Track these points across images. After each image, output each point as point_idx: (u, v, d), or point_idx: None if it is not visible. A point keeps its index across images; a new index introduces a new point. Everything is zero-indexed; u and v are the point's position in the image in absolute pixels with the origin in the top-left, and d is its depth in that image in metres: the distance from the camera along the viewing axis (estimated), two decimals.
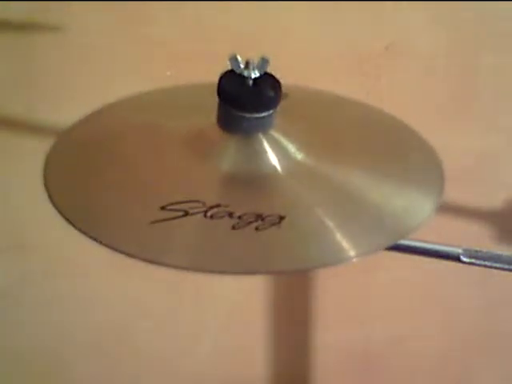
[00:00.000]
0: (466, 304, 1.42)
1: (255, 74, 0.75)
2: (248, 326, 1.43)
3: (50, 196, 0.73)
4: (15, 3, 1.15)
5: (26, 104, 1.21)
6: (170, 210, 0.70)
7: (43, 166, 0.77)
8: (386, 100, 1.19)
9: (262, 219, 0.69)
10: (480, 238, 1.30)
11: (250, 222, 0.69)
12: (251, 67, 0.75)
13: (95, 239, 0.68)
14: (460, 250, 0.84)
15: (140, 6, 1.15)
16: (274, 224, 0.69)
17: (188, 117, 0.82)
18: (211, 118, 0.78)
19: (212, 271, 0.68)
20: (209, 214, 0.70)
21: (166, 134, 0.80)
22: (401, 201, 0.76)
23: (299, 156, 0.77)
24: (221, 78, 0.76)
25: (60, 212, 0.71)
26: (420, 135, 0.84)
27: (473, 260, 0.83)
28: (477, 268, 0.84)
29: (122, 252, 0.67)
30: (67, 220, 0.70)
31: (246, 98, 0.75)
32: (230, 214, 0.70)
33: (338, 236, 0.70)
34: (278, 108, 0.77)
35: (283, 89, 0.76)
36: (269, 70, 0.76)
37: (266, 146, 0.76)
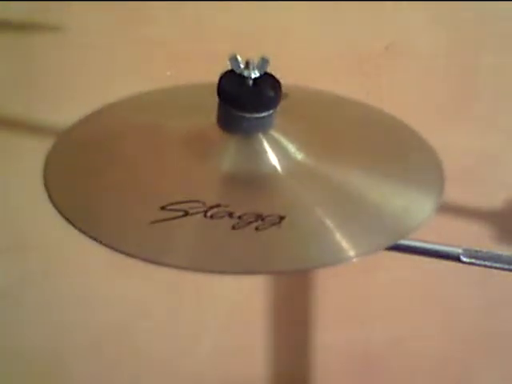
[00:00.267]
0: (466, 304, 1.42)
1: (255, 74, 0.75)
2: (248, 326, 1.43)
3: (49, 196, 0.73)
4: (15, 3, 1.15)
5: (25, 104, 1.21)
6: (170, 209, 0.70)
7: (43, 166, 0.77)
8: (385, 100, 1.19)
9: (262, 219, 0.69)
10: (480, 238, 1.30)
11: (250, 222, 0.69)
12: (251, 67, 0.75)
13: (95, 239, 0.68)
14: (460, 250, 0.84)
15: (140, 6, 1.15)
16: (274, 224, 0.69)
17: (188, 117, 0.82)
18: (211, 118, 0.78)
19: (212, 271, 0.68)
20: (209, 214, 0.70)
21: (166, 134, 0.80)
22: (401, 201, 0.76)
23: (299, 156, 0.77)
24: (221, 78, 0.76)
25: (60, 212, 0.71)
26: (420, 135, 0.84)
27: (473, 260, 0.83)
28: (477, 268, 0.84)
29: (122, 252, 0.67)
30: (67, 220, 0.70)
31: (246, 97, 0.75)
32: (230, 214, 0.70)
33: (338, 236, 0.70)
34: (278, 108, 0.77)
35: (283, 89, 0.76)
36: (269, 70, 0.76)
37: (266, 146, 0.76)
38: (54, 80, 1.20)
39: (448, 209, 1.25)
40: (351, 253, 0.69)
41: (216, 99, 0.76)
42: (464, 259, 0.83)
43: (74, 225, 0.70)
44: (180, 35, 1.18)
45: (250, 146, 0.77)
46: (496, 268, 0.83)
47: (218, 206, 0.70)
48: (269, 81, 0.76)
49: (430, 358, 1.46)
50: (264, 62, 0.75)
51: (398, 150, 0.84)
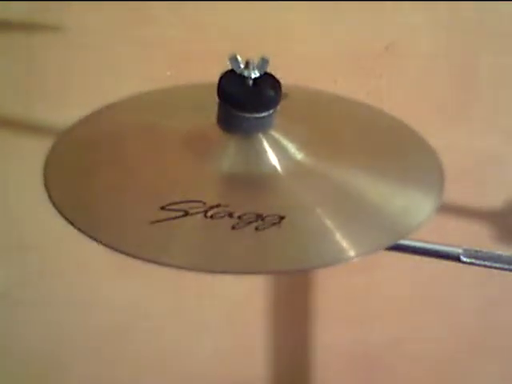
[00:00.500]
0: (466, 304, 1.42)
1: (255, 74, 0.75)
2: (248, 326, 1.43)
3: (49, 196, 0.73)
4: (15, 3, 1.15)
5: (25, 104, 1.21)
6: (170, 209, 0.70)
7: (43, 166, 0.77)
8: (385, 100, 1.19)
9: (262, 219, 0.69)
10: (480, 238, 1.30)
11: (250, 222, 0.69)
12: (251, 67, 0.75)
13: (95, 239, 0.68)
14: (460, 250, 0.84)
15: (140, 6, 1.15)
16: (274, 224, 0.69)
17: (188, 117, 0.82)
18: (211, 118, 0.78)
19: (212, 271, 0.68)
20: (209, 214, 0.70)
21: (166, 133, 0.80)
22: (401, 201, 0.76)
23: (299, 156, 0.77)
24: (221, 78, 0.76)
25: (60, 212, 0.71)
26: (420, 135, 0.84)
27: (473, 260, 0.83)
28: (477, 268, 0.84)
29: (122, 252, 0.67)
30: (67, 220, 0.70)
31: (246, 98, 0.75)
32: (230, 214, 0.69)
33: (338, 236, 0.70)
34: (278, 108, 0.77)
35: (283, 89, 0.76)
36: (269, 70, 0.76)
37: (266, 145, 0.76)
38: (53, 80, 1.20)
39: (448, 209, 1.25)
40: (351, 253, 0.69)
41: (216, 99, 0.76)
42: (464, 259, 0.83)
43: (73, 225, 0.70)
44: (180, 35, 1.18)
45: (249, 146, 0.77)
46: (496, 268, 0.83)
47: (218, 206, 0.70)
48: (269, 81, 0.76)
49: (430, 357, 1.46)
50: (264, 62, 0.75)
51: (397, 149, 0.84)
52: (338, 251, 0.69)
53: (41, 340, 1.39)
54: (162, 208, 0.70)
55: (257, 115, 0.76)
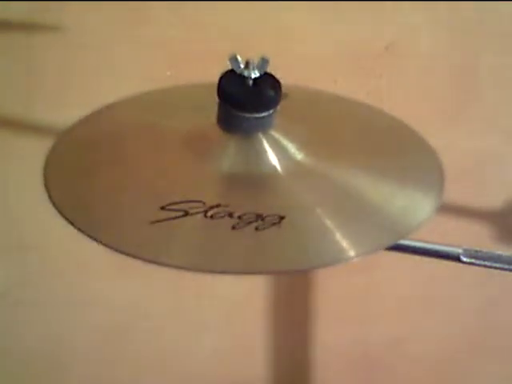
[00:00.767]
0: (466, 304, 1.42)
1: (255, 74, 0.75)
2: (248, 326, 1.43)
3: (49, 196, 0.73)
4: (15, 3, 1.15)
5: (25, 104, 1.21)
6: (170, 209, 0.70)
7: (43, 166, 0.77)
8: (385, 100, 1.19)
9: (262, 219, 0.69)
10: (480, 238, 1.30)
11: (250, 222, 0.69)
12: (251, 67, 0.75)
13: (95, 239, 0.68)
14: (460, 250, 0.84)
15: (140, 6, 1.15)
16: (274, 224, 0.69)
17: (188, 117, 0.82)
18: (211, 118, 0.78)
19: (212, 271, 0.68)
20: (209, 214, 0.70)
21: (166, 133, 0.80)
22: (401, 201, 0.76)
23: (299, 156, 0.77)
24: (221, 78, 0.76)
25: (60, 212, 0.71)
26: (420, 135, 0.84)
27: (473, 260, 0.83)
28: (477, 268, 0.84)
29: (122, 252, 0.67)
30: (67, 220, 0.70)
31: (246, 98, 0.75)
32: (230, 214, 0.69)
33: (338, 236, 0.70)
34: (278, 108, 0.77)
35: (283, 89, 0.76)
36: (269, 70, 0.76)
37: (266, 145, 0.76)
38: (53, 80, 1.20)
39: (448, 209, 1.25)
40: (351, 253, 0.69)
41: (216, 99, 0.76)
42: (464, 259, 0.83)
43: (73, 225, 0.70)
44: (180, 35, 1.18)
45: (249, 145, 0.77)
46: (496, 268, 0.83)
47: (218, 206, 0.70)
48: (269, 81, 0.76)
49: (430, 357, 1.46)
50: (264, 62, 0.75)
51: (397, 149, 0.84)
52: (338, 251, 0.69)
53: (41, 340, 1.39)
54: (162, 208, 0.70)
55: (257, 115, 0.76)
